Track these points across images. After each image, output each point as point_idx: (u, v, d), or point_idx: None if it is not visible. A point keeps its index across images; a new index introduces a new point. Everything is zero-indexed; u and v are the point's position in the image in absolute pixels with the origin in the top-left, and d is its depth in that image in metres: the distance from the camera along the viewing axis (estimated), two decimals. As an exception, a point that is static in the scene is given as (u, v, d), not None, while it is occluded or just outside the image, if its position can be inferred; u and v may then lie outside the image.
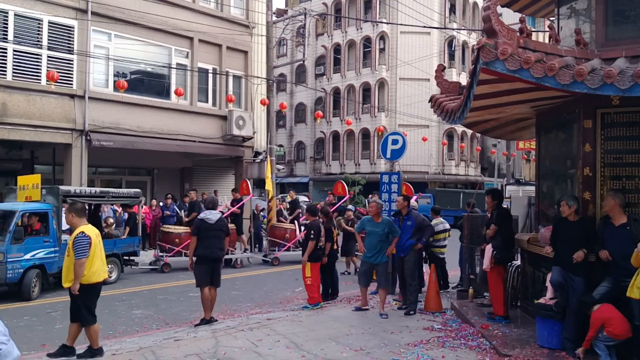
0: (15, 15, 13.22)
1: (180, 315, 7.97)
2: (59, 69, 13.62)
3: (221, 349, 5.68)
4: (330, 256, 8.50)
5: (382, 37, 35.39)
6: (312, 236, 7.85)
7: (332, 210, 10.71)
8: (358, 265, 11.86)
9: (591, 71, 4.53)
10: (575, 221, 5.36)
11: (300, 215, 14.84)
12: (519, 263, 7.27)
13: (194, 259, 6.99)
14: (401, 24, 28.77)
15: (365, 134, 35.79)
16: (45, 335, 6.65)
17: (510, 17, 13.90)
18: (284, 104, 19.01)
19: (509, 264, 7.11)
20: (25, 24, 13.54)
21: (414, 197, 11.60)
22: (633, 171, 5.40)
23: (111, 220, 11.94)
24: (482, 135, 24.77)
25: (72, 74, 14.21)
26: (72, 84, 14.20)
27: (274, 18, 20.39)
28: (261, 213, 16.62)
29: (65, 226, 9.06)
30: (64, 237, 9.30)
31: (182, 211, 14.88)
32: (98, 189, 11.95)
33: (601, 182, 5.51)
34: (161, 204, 15.67)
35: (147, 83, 16.36)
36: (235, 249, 13.65)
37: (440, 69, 7.39)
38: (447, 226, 9.53)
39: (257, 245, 15.22)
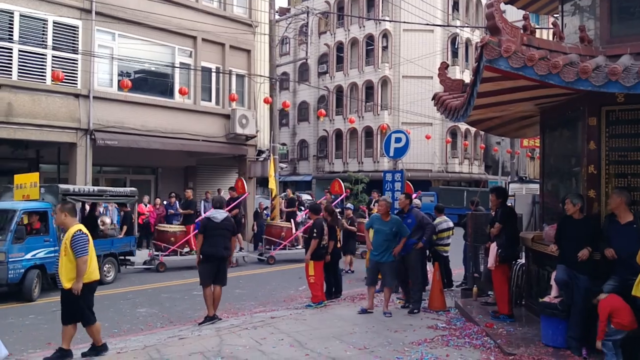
0: (20, 15, 13.28)
1: (184, 314, 8.00)
2: (64, 68, 13.68)
3: (225, 347, 5.70)
4: (334, 254, 8.50)
5: (385, 35, 35.32)
6: (315, 235, 7.85)
7: None
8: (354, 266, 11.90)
9: (596, 68, 4.50)
10: (580, 219, 5.34)
11: (298, 213, 14.85)
12: (524, 261, 7.25)
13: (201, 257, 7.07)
14: (404, 22, 28.72)
15: (368, 132, 35.76)
16: (50, 334, 6.68)
17: (513, 14, 13.88)
18: (287, 102, 19.03)
19: (514, 262, 7.09)
20: (30, 24, 13.60)
21: (414, 195, 11.59)
22: (638, 169, 5.37)
23: (107, 220, 11.88)
24: (486, 133, 24.71)
25: (76, 74, 14.26)
26: (76, 84, 14.26)
27: (277, 17, 20.38)
28: (264, 211, 16.65)
29: None
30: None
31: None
32: (96, 188, 11.96)
33: (606, 180, 5.48)
34: (165, 202, 15.72)
35: (151, 82, 16.40)
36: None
37: (444, 66, 7.36)
38: (451, 224, 9.51)
39: (260, 244, 15.25)
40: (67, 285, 5.24)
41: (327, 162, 38.33)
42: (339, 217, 9.83)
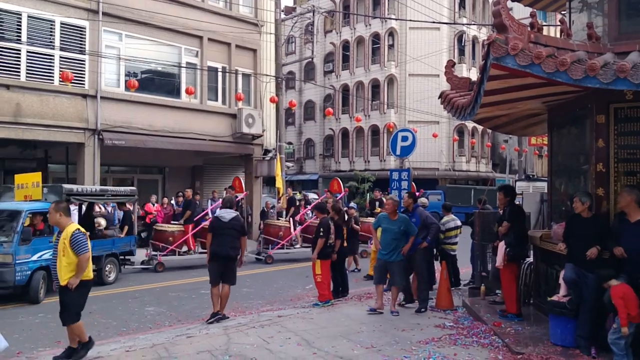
0: (28, 16, 13.39)
1: (192, 313, 8.04)
2: (71, 69, 13.77)
3: (233, 345, 5.72)
4: (340, 253, 8.50)
5: (391, 33, 35.22)
6: (321, 234, 7.85)
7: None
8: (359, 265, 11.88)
9: (604, 65, 4.47)
10: (589, 218, 5.31)
11: (299, 211, 14.81)
12: (532, 260, 7.21)
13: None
14: (410, 20, 28.62)
15: (375, 130, 35.69)
16: (59, 332, 6.70)
17: (520, 11, 13.79)
18: (293, 101, 19.05)
19: (522, 261, 7.05)
20: (38, 25, 13.70)
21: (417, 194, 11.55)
22: (647, 167, 5.33)
23: (102, 221, 11.74)
24: (493, 131, 24.57)
25: (84, 74, 14.36)
26: (84, 84, 14.35)
27: (283, 16, 20.41)
28: (271, 210, 16.67)
29: None
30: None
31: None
32: (98, 187, 11.94)
33: (615, 178, 5.44)
34: (172, 201, 15.79)
35: (158, 82, 16.48)
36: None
37: (450, 64, 7.33)
38: (459, 223, 9.47)
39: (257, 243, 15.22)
40: (64, 282, 5.26)
41: (333, 161, 38.32)
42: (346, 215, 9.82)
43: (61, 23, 13.96)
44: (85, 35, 14.37)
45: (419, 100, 32.06)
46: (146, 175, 19.20)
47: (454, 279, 9.01)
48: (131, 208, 12.20)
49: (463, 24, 33.84)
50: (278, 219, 15.26)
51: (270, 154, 18.74)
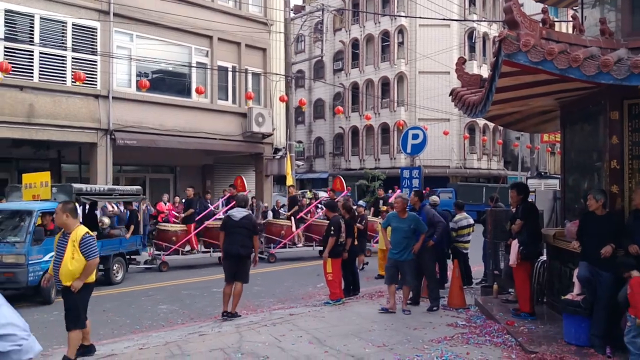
0: (40, 18, 13.56)
1: (204, 311, 8.09)
2: (83, 70, 13.92)
3: (245, 343, 5.75)
4: (351, 252, 8.50)
5: (401, 30, 35.07)
6: (332, 232, 7.85)
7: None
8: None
9: (617, 61, 4.41)
10: (603, 215, 5.25)
11: (301, 210, 14.77)
12: (545, 258, 7.14)
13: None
14: (420, 17, 28.46)
15: (385, 128, 35.59)
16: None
17: (532, 7, 13.65)
18: (303, 100, 19.06)
19: (536, 259, 6.99)
20: (50, 26, 13.87)
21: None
22: (663, 163, 5.25)
23: (106, 220, 11.74)
24: (505, 129, 24.37)
25: (96, 75, 14.51)
26: (96, 85, 14.51)
27: (292, 15, 20.43)
28: (281, 209, 16.70)
29: None
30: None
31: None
32: (105, 187, 11.98)
33: (629, 175, 5.37)
34: (184, 201, 15.89)
35: (169, 82, 16.60)
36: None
37: (461, 61, 7.28)
38: (471, 221, 9.41)
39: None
40: (68, 283, 5.22)
41: (343, 159, 38.29)
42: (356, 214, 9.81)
43: (73, 24, 14.12)
44: (96, 36, 14.52)
45: (429, 97, 31.90)
46: (158, 174, 19.35)
47: (465, 277, 8.96)
48: (139, 207, 12.24)
49: (473, 21, 33.58)
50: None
51: (280, 153, 18.79)
